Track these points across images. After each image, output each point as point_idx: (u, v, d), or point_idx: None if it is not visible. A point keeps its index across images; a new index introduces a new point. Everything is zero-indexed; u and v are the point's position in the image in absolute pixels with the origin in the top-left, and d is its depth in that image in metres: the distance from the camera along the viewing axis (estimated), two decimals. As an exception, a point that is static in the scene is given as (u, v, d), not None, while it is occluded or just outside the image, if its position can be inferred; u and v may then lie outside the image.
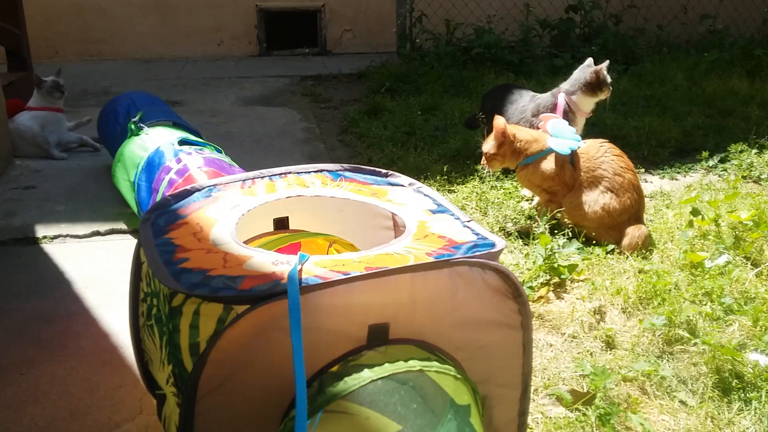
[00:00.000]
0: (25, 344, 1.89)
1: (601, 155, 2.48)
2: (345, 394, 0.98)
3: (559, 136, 2.53)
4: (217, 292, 1.02)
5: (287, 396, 1.08)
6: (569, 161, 2.48)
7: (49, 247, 2.47)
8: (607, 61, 2.97)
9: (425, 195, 1.50)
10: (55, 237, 2.54)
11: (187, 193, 1.40)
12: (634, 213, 2.43)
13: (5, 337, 1.92)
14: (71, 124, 3.54)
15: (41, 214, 2.73)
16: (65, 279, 2.25)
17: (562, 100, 2.99)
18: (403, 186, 1.55)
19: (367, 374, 1.00)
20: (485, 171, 2.71)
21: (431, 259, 1.15)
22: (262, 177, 1.50)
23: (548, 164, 2.50)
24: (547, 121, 2.61)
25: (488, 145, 2.55)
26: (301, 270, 1.07)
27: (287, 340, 1.05)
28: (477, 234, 1.31)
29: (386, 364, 1.03)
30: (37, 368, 1.79)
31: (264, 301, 1.00)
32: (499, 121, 2.51)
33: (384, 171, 1.60)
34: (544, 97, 3.08)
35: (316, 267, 1.10)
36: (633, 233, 2.39)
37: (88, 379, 1.75)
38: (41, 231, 2.57)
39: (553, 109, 2.99)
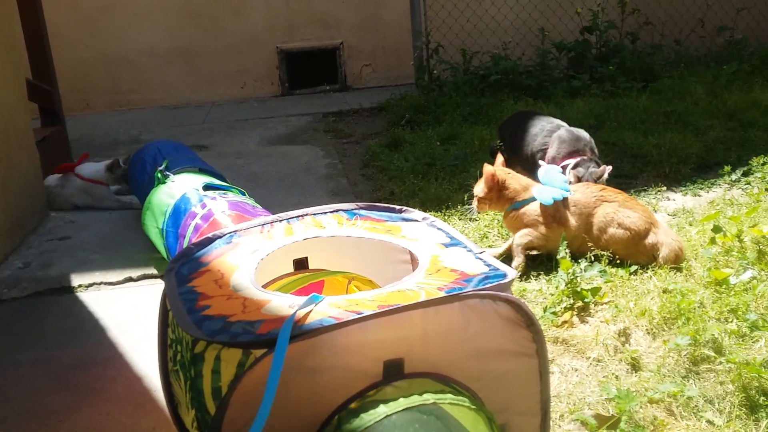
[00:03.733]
0: (63, 391, 1.96)
1: (595, 201, 2.50)
2: (361, 430, 1.02)
3: (548, 184, 2.55)
4: (237, 337, 1.07)
5: (309, 433, 1.12)
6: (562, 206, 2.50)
7: (84, 295, 2.57)
8: (607, 170, 2.86)
9: (438, 229, 1.54)
10: (90, 285, 2.63)
11: (209, 241, 1.47)
12: (652, 219, 2.47)
13: (44, 385, 2.00)
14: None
15: (76, 263, 2.83)
16: (100, 326, 2.33)
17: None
18: (416, 221, 1.60)
19: (382, 410, 1.04)
20: (472, 212, 2.76)
21: (442, 294, 1.19)
22: (281, 220, 1.56)
23: (532, 211, 2.51)
24: (540, 169, 2.66)
25: (478, 188, 2.59)
26: (308, 312, 1.11)
27: (305, 380, 1.09)
28: (489, 265, 1.34)
29: (401, 399, 1.06)
30: (75, 414, 1.86)
31: (280, 343, 1.04)
32: (488, 167, 2.56)
33: (398, 207, 1.65)
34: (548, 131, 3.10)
35: (331, 308, 1.14)
36: (667, 241, 2.40)
37: (124, 423, 1.81)
38: (76, 280, 2.67)
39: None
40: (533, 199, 2.52)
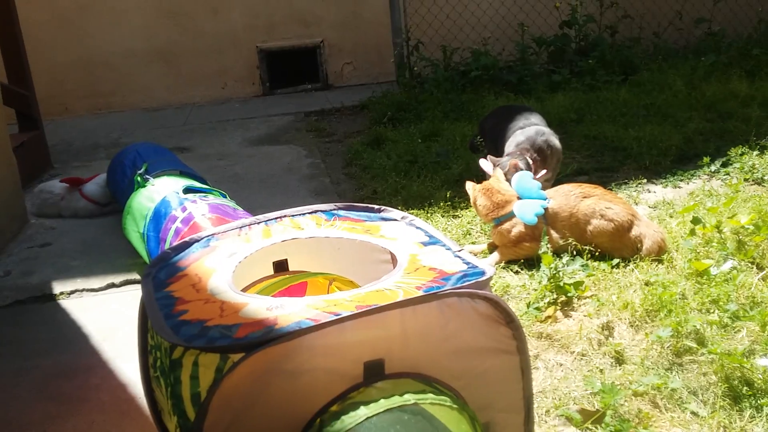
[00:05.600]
0: (46, 400, 1.94)
1: (575, 199, 2.51)
2: (342, 432, 1.01)
3: (524, 195, 2.56)
4: (214, 342, 1.06)
5: (291, 437, 1.11)
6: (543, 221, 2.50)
7: (66, 303, 2.54)
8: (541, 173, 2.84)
9: (417, 228, 1.54)
10: (72, 292, 2.60)
11: (186, 245, 1.46)
12: (632, 211, 2.49)
13: (26, 395, 1.97)
14: None
15: (57, 270, 2.80)
16: (83, 333, 2.31)
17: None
18: (395, 220, 1.59)
19: (363, 411, 1.04)
20: None
21: (420, 293, 1.18)
22: (258, 223, 1.55)
23: (515, 228, 2.51)
24: (513, 176, 2.66)
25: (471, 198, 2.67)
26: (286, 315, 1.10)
27: (285, 383, 1.09)
28: (467, 263, 1.34)
29: (381, 400, 1.06)
30: (59, 424, 1.84)
31: (258, 347, 1.04)
32: (467, 187, 2.66)
33: (377, 207, 1.64)
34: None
35: (309, 309, 1.13)
36: (649, 232, 2.42)
37: (108, 431, 1.80)
38: (58, 287, 2.64)
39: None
40: (512, 214, 2.52)
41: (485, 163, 2.78)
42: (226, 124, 5.25)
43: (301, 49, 6.28)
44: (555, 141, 3.00)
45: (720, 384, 1.75)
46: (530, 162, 2.86)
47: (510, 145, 2.99)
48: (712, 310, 2.05)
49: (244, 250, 1.43)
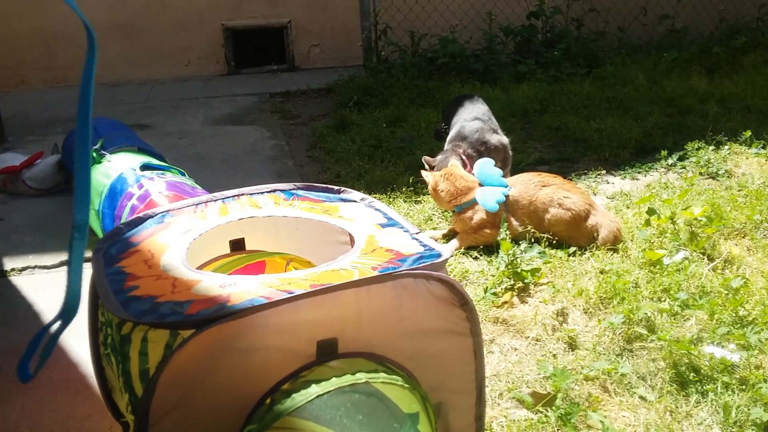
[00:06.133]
0: (-5, 378, 1.89)
1: (534, 188, 2.54)
2: (292, 410, 1.01)
3: (486, 182, 2.56)
4: (164, 318, 1.05)
5: (242, 414, 1.10)
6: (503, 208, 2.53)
7: (17, 280, 2.47)
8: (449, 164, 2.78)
9: (376, 209, 1.53)
10: (24, 269, 2.54)
11: (140, 221, 1.43)
12: (590, 201, 2.53)
13: (-27, 372, 1.92)
14: None
15: (8, 246, 2.72)
16: (34, 310, 2.25)
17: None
18: (355, 201, 1.59)
19: (314, 389, 1.03)
20: None
21: (376, 273, 1.18)
22: (215, 200, 1.53)
23: (477, 215, 2.53)
24: (476, 163, 2.66)
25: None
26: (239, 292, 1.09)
27: (237, 361, 1.08)
28: (424, 245, 1.34)
29: (333, 378, 1.06)
30: (7, 402, 1.80)
31: (209, 324, 1.02)
32: (424, 175, 2.67)
33: (336, 188, 1.63)
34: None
35: (263, 287, 1.12)
36: (605, 222, 2.45)
37: (59, 411, 1.76)
38: (9, 263, 2.57)
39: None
40: (474, 201, 2.53)
41: (425, 175, 2.71)
42: (189, 102, 5.16)
43: (268, 28, 6.19)
44: (491, 137, 2.95)
45: (668, 370, 1.80)
46: (464, 158, 2.86)
47: (448, 140, 3.00)
48: (663, 299, 2.10)
49: (199, 227, 1.41)
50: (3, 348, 2.03)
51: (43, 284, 2.42)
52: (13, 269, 2.53)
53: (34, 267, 2.55)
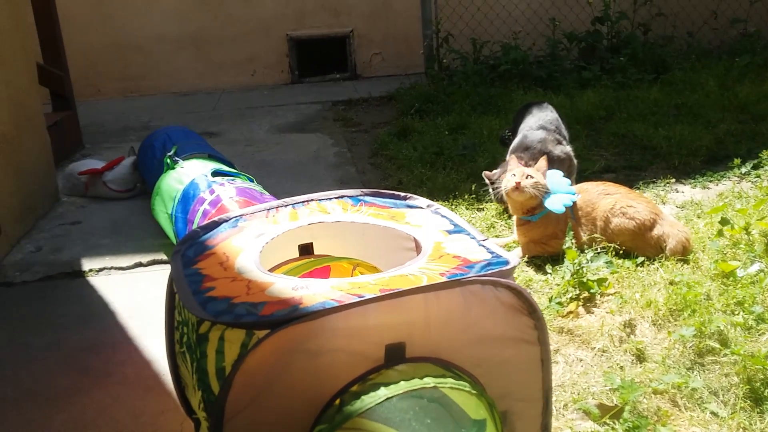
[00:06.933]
0: (73, 373, 1.99)
1: (598, 196, 2.49)
2: (361, 411, 1.03)
3: (555, 191, 2.49)
4: (240, 318, 1.08)
5: (312, 414, 1.13)
6: (571, 216, 2.48)
7: (94, 280, 2.59)
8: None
9: (443, 216, 1.55)
10: (101, 270, 2.66)
11: (215, 225, 1.48)
12: (656, 210, 2.46)
13: (55, 367, 2.02)
14: None
15: (87, 248, 2.85)
16: (110, 310, 2.36)
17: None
18: (421, 208, 1.60)
19: (383, 392, 1.05)
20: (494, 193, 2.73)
21: (444, 279, 1.19)
22: (286, 205, 1.57)
23: (548, 225, 2.47)
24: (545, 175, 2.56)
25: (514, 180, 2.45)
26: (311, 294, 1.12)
27: (308, 362, 1.11)
28: (492, 252, 1.34)
29: (402, 382, 1.07)
30: (85, 396, 1.88)
31: (283, 325, 1.06)
32: (506, 172, 2.54)
33: (403, 194, 1.65)
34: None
35: (333, 291, 1.15)
36: (673, 232, 2.39)
37: (133, 406, 1.83)
38: (87, 264, 2.69)
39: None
40: (548, 211, 2.46)
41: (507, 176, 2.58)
42: (255, 110, 5.29)
43: (331, 38, 6.30)
44: (554, 148, 2.89)
45: (741, 385, 1.74)
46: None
47: (511, 149, 2.97)
48: (736, 312, 2.03)
49: (271, 231, 1.45)
50: (80, 345, 2.13)
51: (118, 284, 2.53)
52: (90, 270, 2.65)
53: (111, 268, 2.67)
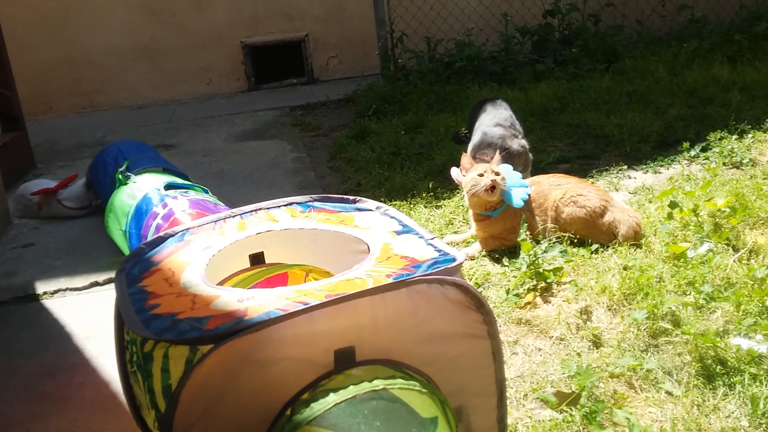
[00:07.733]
0: (30, 400, 1.95)
1: (549, 187, 2.54)
2: (311, 419, 1.03)
3: (511, 185, 2.50)
4: (184, 334, 1.08)
5: (264, 425, 1.12)
6: (526, 208, 2.52)
7: (49, 303, 2.54)
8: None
9: (391, 217, 1.55)
10: (55, 292, 2.61)
11: (161, 240, 1.47)
12: (607, 197, 2.50)
13: (10, 396, 1.98)
14: None
15: (41, 270, 2.80)
16: (66, 332, 2.32)
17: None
18: (370, 210, 1.61)
19: (332, 398, 1.05)
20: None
21: (390, 281, 1.20)
22: (233, 216, 1.56)
23: (507, 219, 2.50)
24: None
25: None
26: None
27: (257, 373, 1.10)
28: (439, 250, 1.35)
29: (351, 386, 1.07)
30: (42, 422, 1.85)
31: (227, 338, 1.05)
32: (460, 176, 2.56)
33: (352, 198, 1.66)
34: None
35: (279, 299, 1.15)
36: (624, 218, 2.43)
37: (92, 428, 1.81)
38: (41, 287, 2.64)
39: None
40: (507, 205, 2.49)
41: (454, 171, 2.65)
42: (212, 120, 5.24)
43: (286, 43, 6.27)
44: (512, 143, 2.92)
45: (694, 364, 1.78)
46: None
47: (471, 147, 2.99)
48: (688, 292, 2.08)
49: (218, 243, 1.44)
50: (36, 370, 2.10)
51: (74, 306, 2.49)
52: (45, 292, 2.60)
53: (66, 289, 2.62)
